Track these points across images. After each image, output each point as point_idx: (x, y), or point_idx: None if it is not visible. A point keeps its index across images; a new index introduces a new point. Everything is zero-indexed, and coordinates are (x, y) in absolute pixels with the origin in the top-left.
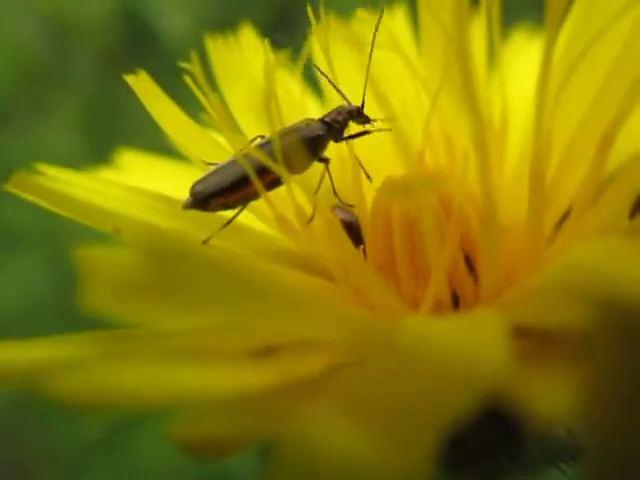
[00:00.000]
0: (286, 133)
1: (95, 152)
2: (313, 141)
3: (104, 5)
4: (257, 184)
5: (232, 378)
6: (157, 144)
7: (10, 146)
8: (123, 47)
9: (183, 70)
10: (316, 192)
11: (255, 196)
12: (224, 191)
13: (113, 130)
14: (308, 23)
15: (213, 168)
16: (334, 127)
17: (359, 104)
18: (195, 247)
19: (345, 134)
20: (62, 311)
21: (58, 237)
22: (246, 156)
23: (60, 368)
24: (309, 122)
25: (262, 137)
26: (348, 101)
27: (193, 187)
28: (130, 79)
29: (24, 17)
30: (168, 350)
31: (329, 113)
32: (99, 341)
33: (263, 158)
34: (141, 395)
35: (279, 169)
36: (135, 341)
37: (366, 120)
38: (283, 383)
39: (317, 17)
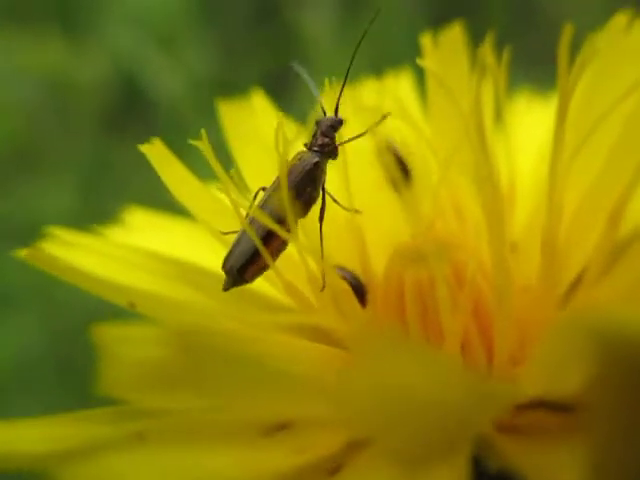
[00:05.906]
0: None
1: (92, 211)
2: (312, 172)
3: (101, 67)
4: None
5: (249, 460)
6: (152, 204)
7: (9, 204)
8: (120, 108)
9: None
10: (321, 256)
11: (283, 247)
12: (254, 256)
13: (109, 189)
14: (304, 83)
15: (234, 240)
16: (326, 149)
17: (331, 114)
18: (211, 329)
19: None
20: (55, 365)
21: (52, 294)
22: (256, 219)
23: (72, 454)
24: (301, 155)
25: (264, 189)
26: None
27: (224, 265)
28: (145, 148)
29: (23, 80)
30: (181, 431)
31: (315, 137)
32: (109, 419)
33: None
34: None
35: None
36: (146, 421)
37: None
38: (300, 462)
39: (316, 80)
